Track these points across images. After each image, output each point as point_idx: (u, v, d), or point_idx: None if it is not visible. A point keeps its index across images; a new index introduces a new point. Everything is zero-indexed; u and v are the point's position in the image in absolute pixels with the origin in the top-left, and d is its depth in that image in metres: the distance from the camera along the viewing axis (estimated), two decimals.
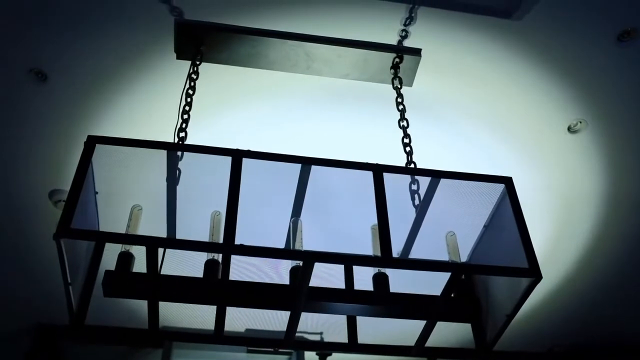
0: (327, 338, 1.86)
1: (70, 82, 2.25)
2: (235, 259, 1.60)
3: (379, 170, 1.67)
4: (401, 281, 1.69)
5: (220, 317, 1.64)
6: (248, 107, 2.38)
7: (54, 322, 3.30)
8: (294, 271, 1.62)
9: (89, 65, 2.21)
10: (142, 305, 1.61)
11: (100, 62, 2.20)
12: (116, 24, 2.11)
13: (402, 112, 2.11)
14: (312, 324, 1.87)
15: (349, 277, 1.74)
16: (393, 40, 2.23)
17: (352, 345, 1.69)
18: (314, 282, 1.56)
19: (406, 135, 2.04)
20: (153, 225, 1.65)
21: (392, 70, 2.25)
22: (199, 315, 2.06)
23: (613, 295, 3.35)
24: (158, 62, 2.21)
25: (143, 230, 1.61)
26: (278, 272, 1.68)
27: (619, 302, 3.41)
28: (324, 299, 1.61)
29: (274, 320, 1.86)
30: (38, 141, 2.43)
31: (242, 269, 1.65)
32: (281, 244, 1.73)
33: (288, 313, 1.62)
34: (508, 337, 1.78)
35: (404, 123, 2.08)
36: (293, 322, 1.60)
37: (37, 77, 2.22)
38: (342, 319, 1.75)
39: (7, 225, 2.75)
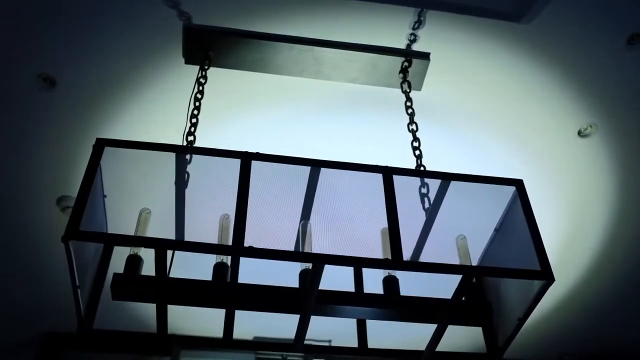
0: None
1: (78, 88, 2.26)
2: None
3: (388, 173, 1.66)
4: (411, 286, 1.68)
5: (229, 322, 1.63)
6: (257, 112, 2.38)
7: (60, 331, 3.29)
8: (303, 274, 1.61)
9: (97, 70, 2.21)
10: (150, 313, 1.60)
11: (109, 67, 2.21)
12: (124, 29, 2.11)
13: (411, 115, 2.11)
14: (321, 331, 1.86)
15: (358, 280, 1.73)
16: (401, 44, 2.23)
17: (362, 350, 1.67)
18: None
19: (415, 138, 2.03)
20: (161, 229, 1.65)
21: (401, 75, 2.25)
22: (207, 323, 2.05)
23: (625, 302, 3.31)
24: (166, 67, 2.21)
25: (151, 234, 1.60)
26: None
27: (630, 310, 3.37)
28: (334, 302, 1.60)
29: (282, 328, 1.84)
30: (46, 147, 2.43)
31: None
32: (291, 248, 1.71)
33: (296, 321, 1.61)
34: (517, 345, 1.76)
35: (413, 127, 2.07)
36: (302, 325, 1.59)
37: (45, 83, 2.22)
38: (351, 328, 1.74)
39: (15, 231, 2.75)
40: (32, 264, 2.88)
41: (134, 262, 1.56)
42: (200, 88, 2.05)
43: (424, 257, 1.77)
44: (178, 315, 1.86)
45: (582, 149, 2.58)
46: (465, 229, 1.77)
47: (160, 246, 1.43)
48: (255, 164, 1.60)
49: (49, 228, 2.71)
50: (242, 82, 2.28)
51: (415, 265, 1.61)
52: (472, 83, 2.35)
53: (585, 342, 3.62)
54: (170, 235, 1.69)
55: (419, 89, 2.30)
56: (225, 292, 1.59)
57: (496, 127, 2.49)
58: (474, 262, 1.75)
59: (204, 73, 2.10)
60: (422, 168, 1.92)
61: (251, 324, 2.46)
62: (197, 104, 1.99)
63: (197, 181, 1.67)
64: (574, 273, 3.11)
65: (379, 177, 1.66)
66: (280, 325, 1.80)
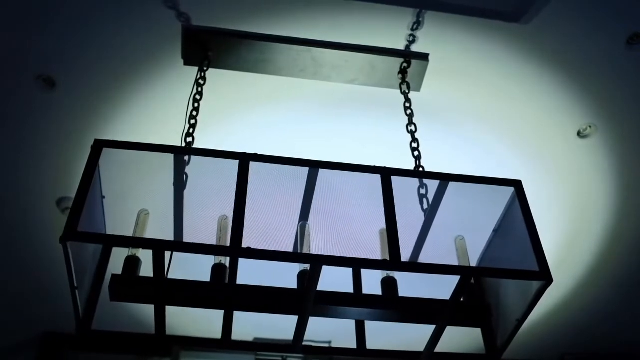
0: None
1: (78, 89, 2.26)
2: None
3: (387, 174, 1.66)
4: (410, 288, 1.68)
5: (227, 322, 1.63)
6: (255, 113, 2.38)
7: (60, 331, 3.29)
8: (301, 275, 1.61)
9: (97, 72, 2.21)
10: (149, 315, 1.61)
11: (108, 68, 2.21)
12: (123, 30, 2.11)
13: (410, 116, 2.10)
14: (321, 332, 1.85)
15: (357, 281, 1.73)
16: (400, 45, 2.22)
17: (361, 351, 1.67)
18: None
19: (414, 139, 2.03)
20: (160, 231, 1.65)
21: (400, 76, 2.25)
22: (206, 324, 2.05)
23: (626, 303, 3.31)
24: (165, 68, 2.21)
25: (150, 235, 1.60)
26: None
27: (632, 311, 3.37)
28: (332, 303, 1.60)
29: (281, 330, 1.84)
30: (46, 148, 2.43)
31: None
32: (289, 249, 1.71)
33: (294, 323, 1.61)
34: (518, 345, 1.76)
35: (412, 128, 2.07)
36: (301, 326, 1.59)
37: (45, 84, 2.22)
38: (351, 329, 1.74)
39: (15, 232, 2.75)
40: (32, 265, 2.88)
41: (133, 263, 1.56)
42: (199, 89, 2.05)
43: (423, 258, 1.77)
44: (176, 316, 1.86)
45: (581, 150, 2.57)
46: (464, 230, 1.77)
47: (159, 247, 1.43)
48: (253, 165, 1.60)
49: (49, 229, 2.70)
50: (241, 83, 2.27)
51: (413, 266, 1.61)
52: (471, 84, 2.35)
53: (587, 342, 3.61)
54: (169, 236, 1.69)
55: (418, 90, 2.29)
56: (223, 293, 1.59)
57: (495, 127, 2.48)
58: (473, 263, 1.75)
59: (203, 74, 2.10)
60: (420, 169, 1.92)
61: (251, 325, 2.46)
62: (196, 105, 1.99)
63: (196, 182, 1.68)
64: (574, 273, 3.10)
65: (377, 178, 1.66)
66: (281, 325, 1.80)
